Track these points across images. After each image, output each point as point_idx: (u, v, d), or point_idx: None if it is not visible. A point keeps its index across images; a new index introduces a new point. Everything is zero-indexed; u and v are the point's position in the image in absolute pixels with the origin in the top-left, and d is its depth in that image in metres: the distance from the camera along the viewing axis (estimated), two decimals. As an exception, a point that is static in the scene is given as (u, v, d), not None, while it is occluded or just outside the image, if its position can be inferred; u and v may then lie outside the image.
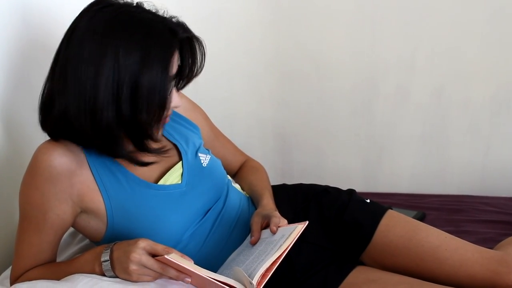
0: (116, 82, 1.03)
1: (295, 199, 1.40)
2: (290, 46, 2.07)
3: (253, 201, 1.37)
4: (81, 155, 1.12)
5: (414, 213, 1.76)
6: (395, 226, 1.29)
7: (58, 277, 1.08)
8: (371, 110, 2.09)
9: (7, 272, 1.24)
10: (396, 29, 1.99)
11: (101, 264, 1.04)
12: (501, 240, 1.42)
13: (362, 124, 2.11)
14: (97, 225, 1.15)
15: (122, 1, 1.10)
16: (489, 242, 1.48)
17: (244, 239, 1.25)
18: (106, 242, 1.12)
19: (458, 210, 1.83)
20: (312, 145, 2.17)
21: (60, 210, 1.11)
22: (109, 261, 1.03)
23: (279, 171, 2.19)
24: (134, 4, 1.11)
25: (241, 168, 1.51)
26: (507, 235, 1.47)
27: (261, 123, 2.18)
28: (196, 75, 1.19)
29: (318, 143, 2.16)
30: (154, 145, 1.13)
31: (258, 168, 1.49)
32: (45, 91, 1.11)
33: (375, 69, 2.05)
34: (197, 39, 1.15)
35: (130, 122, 1.05)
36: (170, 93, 1.10)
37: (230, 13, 2.05)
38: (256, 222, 1.21)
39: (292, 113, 2.16)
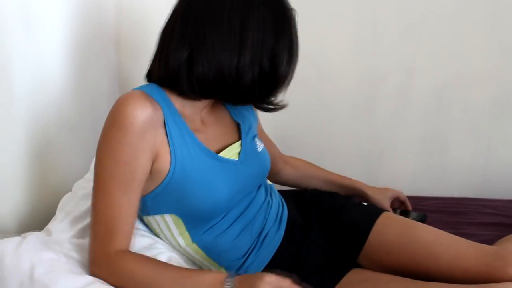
0: (260, 43, 1.09)
1: (301, 204, 1.41)
2: (291, 49, 2.08)
3: (345, 191, 1.56)
4: (161, 113, 1.10)
5: (415, 214, 1.75)
6: (391, 225, 1.31)
7: (163, 284, 1.03)
8: (372, 112, 2.09)
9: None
10: (397, 31, 2.00)
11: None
12: (500, 243, 1.42)
13: (363, 126, 2.11)
14: (147, 183, 1.11)
15: None
16: (489, 244, 1.45)
17: (261, 226, 1.26)
18: (148, 200, 1.13)
19: (459, 212, 1.82)
20: (313, 147, 2.17)
21: (146, 167, 1.07)
22: None
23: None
24: None
25: (293, 163, 1.61)
26: (507, 237, 1.47)
27: (262, 125, 2.18)
28: None
29: (319, 146, 2.16)
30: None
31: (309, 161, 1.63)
32: (175, 55, 1.10)
33: (375, 71, 2.05)
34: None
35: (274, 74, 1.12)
36: None
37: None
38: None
39: (293, 116, 2.15)
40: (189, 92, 1.12)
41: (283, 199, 1.39)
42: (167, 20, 1.15)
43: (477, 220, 1.75)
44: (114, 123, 1.05)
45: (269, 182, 1.43)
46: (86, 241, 1.11)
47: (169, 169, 1.10)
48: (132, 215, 1.08)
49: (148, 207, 1.15)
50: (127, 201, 1.06)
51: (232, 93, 1.12)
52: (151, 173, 1.10)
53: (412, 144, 2.10)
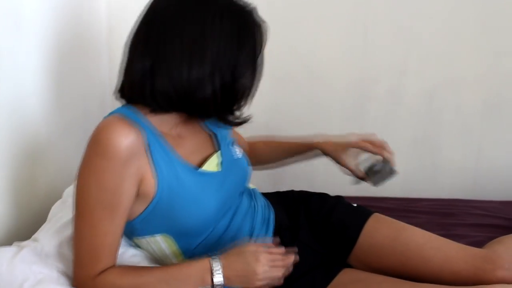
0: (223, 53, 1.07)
1: (288, 205, 1.41)
2: (283, 51, 2.07)
3: (298, 151, 1.49)
4: (143, 136, 1.07)
5: (381, 166, 1.40)
6: (381, 227, 1.32)
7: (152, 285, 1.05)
8: (364, 114, 2.09)
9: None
10: (388, 34, 2.00)
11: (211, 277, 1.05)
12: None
13: (354, 128, 2.09)
14: (135, 207, 1.10)
15: None
16: (480, 245, 1.46)
17: (250, 231, 1.27)
18: (137, 223, 1.12)
19: (450, 214, 1.83)
20: (304, 149, 2.17)
21: (131, 192, 1.06)
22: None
23: (271, 175, 2.18)
24: None
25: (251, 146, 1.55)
26: (498, 239, 1.47)
27: (254, 127, 2.15)
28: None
29: (311, 147, 2.16)
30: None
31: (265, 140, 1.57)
32: (137, 68, 1.07)
33: (367, 73, 2.05)
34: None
35: (233, 86, 1.09)
36: None
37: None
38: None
39: (285, 118, 2.16)
40: (155, 106, 1.09)
41: (268, 202, 1.38)
42: (133, 32, 1.12)
43: (468, 221, 1.76)
44: (97, 150, 1.02)
45: (251, 186, 1.43)
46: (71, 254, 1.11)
47: (156, 191, 1.09)
48: (117, 239, 1.08)
49: (137, 229, 1.14)
50: (113, 227, 1.05)
51: (194, 106, 1.09)
52: (138, 196, 1.09)
53: (403, 146, 2.09)
